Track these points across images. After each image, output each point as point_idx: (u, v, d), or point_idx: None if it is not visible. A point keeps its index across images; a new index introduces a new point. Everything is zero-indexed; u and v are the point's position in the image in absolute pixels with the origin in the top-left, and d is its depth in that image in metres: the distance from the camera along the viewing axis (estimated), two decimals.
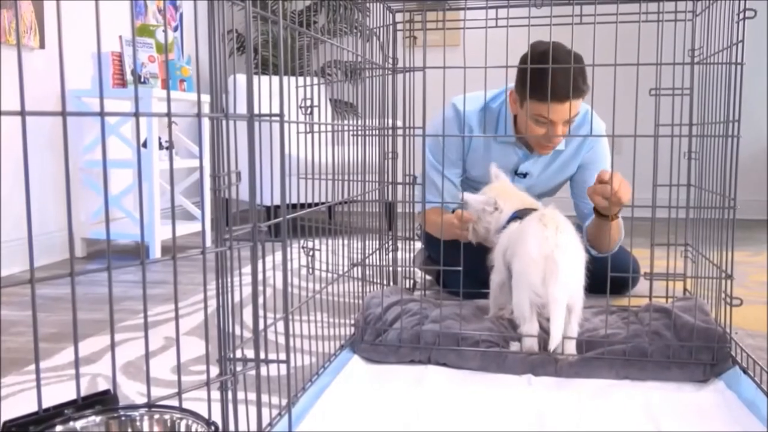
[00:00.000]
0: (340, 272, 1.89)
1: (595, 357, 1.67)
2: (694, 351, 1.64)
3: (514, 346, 1.73)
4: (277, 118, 1.10)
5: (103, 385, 1.65)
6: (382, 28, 2.15)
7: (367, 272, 2.12)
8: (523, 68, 2.03)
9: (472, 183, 2.40)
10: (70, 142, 3.31)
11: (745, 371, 1.59)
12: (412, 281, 2.38)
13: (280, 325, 1.42)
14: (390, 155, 2.18)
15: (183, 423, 0.94)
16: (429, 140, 2.25)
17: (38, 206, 3.13)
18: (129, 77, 3.33)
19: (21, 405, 1.50)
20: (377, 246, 2.18)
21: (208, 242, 3.48)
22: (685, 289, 2.11)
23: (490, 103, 2.31)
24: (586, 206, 2.39)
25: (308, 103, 1.74)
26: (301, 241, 1.87)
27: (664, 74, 1.66)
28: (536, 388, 1.59)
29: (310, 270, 1.84)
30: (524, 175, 2.36)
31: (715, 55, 1.74)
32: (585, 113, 2.29)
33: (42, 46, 3.09)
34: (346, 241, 2.01)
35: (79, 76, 3.39)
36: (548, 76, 1.80)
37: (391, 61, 2.16)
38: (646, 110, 1.71)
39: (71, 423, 0.89)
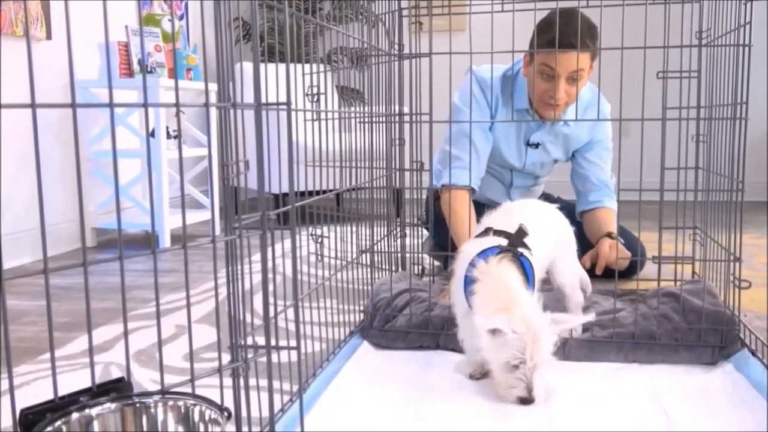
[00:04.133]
0: (349, 259, 1.90)
1: (604, 340, 1.68)
2: (702, 334, 1.64)
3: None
4: (284, 107, 1.11)
5: (115, 373, 1.67)
6: (387, 14, 2.15)
7: (376, 259, 2.13)
8: (537, 25, 2.07)
9: (490, 159, 2.39)
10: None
11: (753, 353, 1.60)
12: (420, 267, 2.39)
13: (290, 312, 1.43)
14: (397, 142, 2.18)
15: (197, 409, 0.96)
16: (454, 109, 2.25)
17: (46, 197, 3.15)
18: (136, 67, 3.33)
19: (35, 393, 1.52)
20: (385, 232, 2.19)
21: (217, 230, 3.50)
22: (693, 272, 2.11)
23: (507, 72, 2.32)
24: (588, 192, 2.41)
25: (315, 90, 1.74)
26: (310, 229, 1.88)
27: (672, 57, 1.65)
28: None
29: (319, 257, 1.84)
30: (536, 146, 2.37)
31: (723, 37, 1.73)
32: (593, 93, 2.30)
33: (49, 37, 3.10)
34: (354, 228, 2.02)
35: (85, 67, 3.39)
36: (557, 26, 1.82)
37: (397, 47, 2.16)
38: (653, 93, 1.71)
39: (87, 410, 0.91)
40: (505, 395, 1.43)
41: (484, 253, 1.53)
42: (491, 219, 1.70)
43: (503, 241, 1.58)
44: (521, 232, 1.62)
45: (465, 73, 2.30)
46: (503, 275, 1.48)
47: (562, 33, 1.85)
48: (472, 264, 1.52)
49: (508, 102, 2.29)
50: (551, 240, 1.73)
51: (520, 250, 1.57)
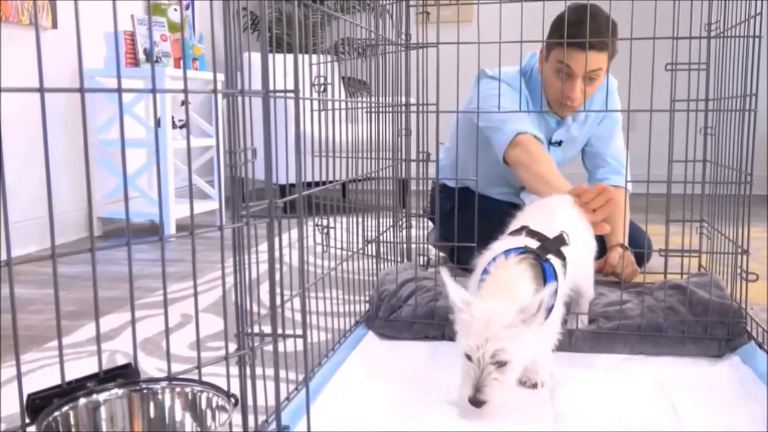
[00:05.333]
0: (355, 249, 1.90)
1: (610, 332, 1.68)
2: (709, 326, 1.64)
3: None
4: (292, 95, 1.10)
5: (121, 362, 1.67)
6: (394, 4, 2.14)
7: (382, 249, 2.12)
8: (553, 21, 2.05)
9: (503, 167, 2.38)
10: None
11: (760, 346, 1.59)
12: (425, 258, 2.38)
13: (296, 302, 1.43)
14: (403, 132, 2.18)
15: (204, 396, 0.96)
16: (482, 95, 2.13)
17: (53, 186, 3.15)
18: (141, 56, 3.33)
19: (42, 381, 1.52)
20: (391, 223, 2.19)
21: (223, 219, 3.50)
22: (700, 266, 2.10)
23: (523, 71, 2.29)
24: (596, 169, 2.39)
25: (321, 80, 1.74)
26: (316, 219, 1.88)
27: (681, 49, 1.64)
28: None
29: (325, 247, 1.84)
30: (559, 144, 2.35)
31: (733, 29, 1.72)
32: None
33: (54, 26, 3.10)
34: (360, 219, 2.02)
35: (91, 56, 3.39)
36: (574, 24, 1.80)
37: (404, 37, 2.15)
38: (662, 85, 1.70)
39: (94, 396, 0.91)
40: (459, 394, 1.29)
41: (508, 252, 1.42)
42: (530, 216, 1.59)
43: (535, 243, 1.46)
44: (560, 240, 1.49)
45: (480, 78, 2.24)
46: (515, 272, 1.37)
47: (581, 32, 1.83)
48: (495, 260, 1.42)
49: (524, 100, 2.25)
50: (586, 248, 1.65)
51: (549, 256, 1.44)
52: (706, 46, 1.81)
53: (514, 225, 1.58)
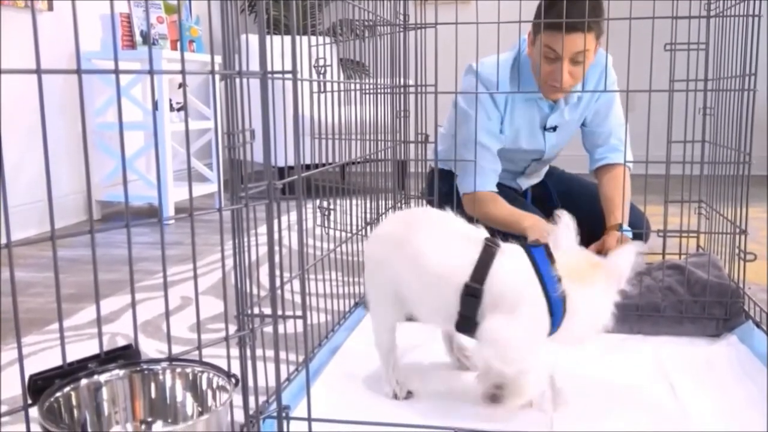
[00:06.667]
0: (354, 231, 1.90)
1: None
2: (707, 306, 1.65)
3: None
4: (290, 76, 1.10)
5: (122, 344, 1.68)
6: None
7: None
8: (540, 2, 2.03)
9: (501, 152, 2.36)
10: None
11: (758, 325, 1.60)
12: None
13: (296, 284, 1.44)
14: (402, 114, 2.17)
15: (204, 376, 0.96)
16: (460, 113, 2.14)
17: (51, 170, 3.14)
18: (138, 38, 3.31)
19: (43, 363, 1.53)
20: (390, 205, 2.19)
21: (222, 201, 3.49)
22: (698, 246, 2.11)
23: (510, 63, 2.27)
24: (595, 149, 2.38)
25: (321, 62, 1.73)
26: (316, 201, 1.88)
27: (680, 28, 1.64)
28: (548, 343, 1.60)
29: (325, 229, 1.84)
30: (554, 129, 2.33)
31: (732, 8, 1.71)
32: (599, 57, 2.25)
33: (50, 8, 3.08)
34: (359, 201, 2.02)
35: (88, 39, 3.37)
36: (559, 5, 1.78)
37: (402, 17, 2.14)
38: (661, 65, 1.69)
39: (95, 376, 0.91)
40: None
41: (537, 255, 1.26)
42: (453, 234, 1.33)
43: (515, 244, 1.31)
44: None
45: (465, 73, 2.24)
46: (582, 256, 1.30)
47: (563, 14, 1.81)
48: (547, 277, 1.22)
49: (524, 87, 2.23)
50: None
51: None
52: (706, 26, 1.80)
53: (448, 246, 1.32)
